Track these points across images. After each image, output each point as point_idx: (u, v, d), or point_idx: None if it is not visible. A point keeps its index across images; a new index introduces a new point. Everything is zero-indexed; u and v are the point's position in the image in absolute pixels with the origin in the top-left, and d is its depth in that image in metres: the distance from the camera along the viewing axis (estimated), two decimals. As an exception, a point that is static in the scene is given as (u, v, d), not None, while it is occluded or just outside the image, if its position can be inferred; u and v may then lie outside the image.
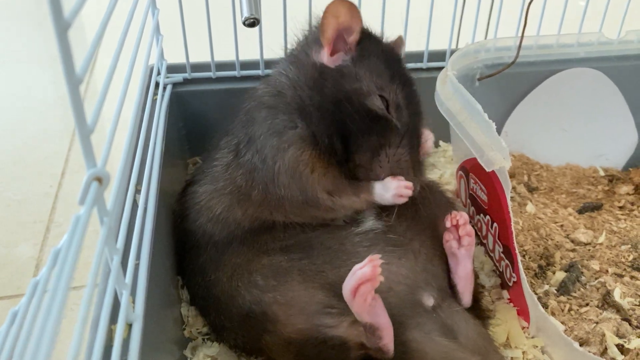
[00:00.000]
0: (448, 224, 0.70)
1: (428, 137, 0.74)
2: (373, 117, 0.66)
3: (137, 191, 0.64)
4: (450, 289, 0.71)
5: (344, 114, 0.66)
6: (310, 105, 0.68)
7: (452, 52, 0.91)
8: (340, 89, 0.67)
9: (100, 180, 0.39)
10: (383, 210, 0.71)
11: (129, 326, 0.48)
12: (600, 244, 0.85)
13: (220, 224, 0.71)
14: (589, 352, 0.68)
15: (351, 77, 0.67)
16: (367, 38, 0.70)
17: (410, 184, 0.67)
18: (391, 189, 0.67)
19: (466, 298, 0.71)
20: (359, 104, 0.66)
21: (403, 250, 0.69)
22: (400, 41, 0.78)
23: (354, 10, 0.67)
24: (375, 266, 0.59)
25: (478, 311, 0.72)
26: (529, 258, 0.82)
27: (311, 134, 0.67)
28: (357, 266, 0.60)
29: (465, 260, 0.70)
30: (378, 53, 0.70)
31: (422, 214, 0.74)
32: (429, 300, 0.67)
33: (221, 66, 0.95)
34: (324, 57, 0.69)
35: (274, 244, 0.69)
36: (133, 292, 0.51)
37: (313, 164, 0.67)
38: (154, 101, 0.83)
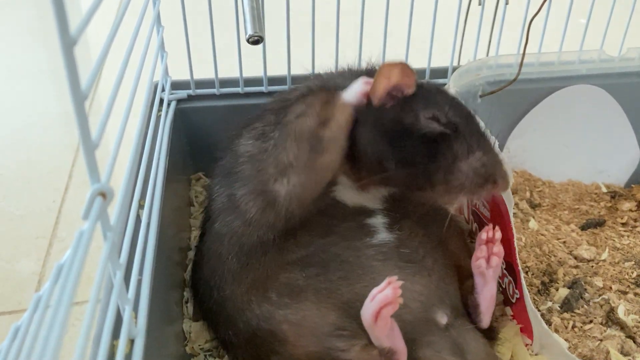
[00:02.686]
0: (484, 236, 0.70)
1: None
2: (429, 139, 0.65)
3: (141, 206, 0.64)
4: (469, 308, 0.71)
5: (396, 148, 0.66)
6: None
7: (454, 69, 0.91)
8: (391, 121, 0.67)
9: (104, 195, 0.39)
10: (394, 223, 0.71)
11: (131, 342, 0.48)
12: (604, 260, 0.85)
13: (252, 227, 0.68)
14: (593, 369, 0.68)
15: (400, 112, 0.67)
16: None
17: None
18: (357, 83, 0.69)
19: (486, 319, 0.70)
20: (413, 134, 0.66)
21: (417, 266, 0.68)
22: None
23: (407, 71, 0.67)
24: (396, 288, 0.58)
25: (486, 331, 0.71)
26: (532, 274, 0.82)
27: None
28: (375, 290, 0.59)
29: (492, 282, 0.70)
30: (423, 92, 0.70)
31: (433, 231, 0.74)
32: (443, 319, 0.67)
33: (225, 83, 0.95)
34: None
35: (295, 253, 0.67)
36: (135, 308, 0.51)
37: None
38: (158, 117, 0.84)
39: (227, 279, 0.69)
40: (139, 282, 0.54)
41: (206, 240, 0.74)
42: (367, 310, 0.59)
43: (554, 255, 0.85)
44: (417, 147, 0.65)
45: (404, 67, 0.67)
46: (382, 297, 0.58)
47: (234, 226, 0.70)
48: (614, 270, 0.83)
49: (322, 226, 0.69)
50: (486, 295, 0.70)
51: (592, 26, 0.95)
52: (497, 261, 0.69)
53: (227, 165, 0.74)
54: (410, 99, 0.68)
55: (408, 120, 0.66)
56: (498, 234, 0.70)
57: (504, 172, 0.66)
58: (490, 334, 0.71)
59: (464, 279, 0.73)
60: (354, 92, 0.69)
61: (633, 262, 0.84)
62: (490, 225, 0.71)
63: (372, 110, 0.68)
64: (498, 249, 0.69)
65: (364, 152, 0.68)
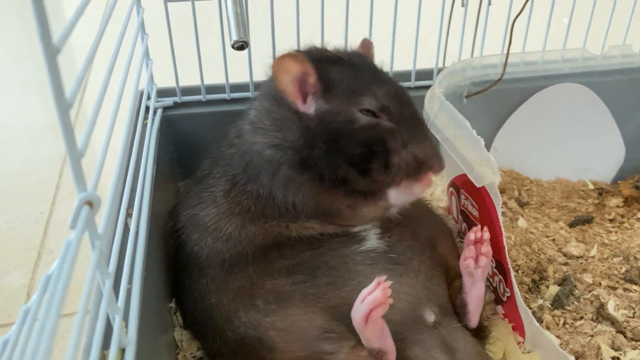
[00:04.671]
0: (472, 237, 0.70)
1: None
2: (366, 134, 0.64)
3: (129, 215, 0.64)
4: (457, 308, 0.71)
5: (339, 150, 0.65)
6: (302, 146, 0.66)
7: (439, 70, 0.92)
8: (325, 130, 0.65)
9: (91, 204, 0.39)
10: (386, 230, 0.71)
11: (122, 351, 0.47)
12: (593, 257, 0.86)
13: (230, 242, 0.69)
14: (585, 365, 0.68)
15: (329, 113, 0.66)
16: (327, 64, 0.68)
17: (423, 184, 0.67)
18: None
19: (475, 318, 0.71)
20: (348, 133, 0.64)
21: (404, 268, 0.69)
22: (366, 43, 0.76)
23: (298, 57, 0.65)
24: (385, 289, 0.58)
25: (476, 330, 0.72)
26: (522, 273, 0.82)
27: (313, 169, 0.66)
28: (365, 291, 0.59)
29: (480, 282, 0.70)
30: (343, 72, 0.68)
31: (421, 234, 0.74)
32: (430, 316, 0.67)
33: (211, 89, 0.95)
34: (299, 106, 0.67)
35: (280, 263, 0.67)
36: (125, 317, 0.51)
37: (330, 195, 0.68)
38: (144, 125, 0.83)
39: (212, 289, 0.69)
40: (129, 290, 0.54)
41: (184, 252, 0.74)
42: (358, 313, 0.59)
43: (544, 253, 0.85)
44: (356, 142, 0.64)
45: (294, 55, 0.65)
46: (372, 299, 0.58)
47: (207, 243, 0.70)
48: (603, 266, 0.84)
49: (311, 240, 0.69)
50: (474, 295, 0.70)
51: (575, 25, 0.96)
52: (486, 261, 0.70)
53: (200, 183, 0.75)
54: (334, 91, 0.66)
55: (337, 120, 0.65)
56: (486, 235, 0.70)
57: (435, 157, 0.66)
58: (480, 333, 0.72)
59: (453, 279, 0.73)
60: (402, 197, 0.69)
61: (621, 258, 0.85)
62: (479, 226, 0.71)
63: (308, 120, 0.66)
64: (486, 249, 0.70)
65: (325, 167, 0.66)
